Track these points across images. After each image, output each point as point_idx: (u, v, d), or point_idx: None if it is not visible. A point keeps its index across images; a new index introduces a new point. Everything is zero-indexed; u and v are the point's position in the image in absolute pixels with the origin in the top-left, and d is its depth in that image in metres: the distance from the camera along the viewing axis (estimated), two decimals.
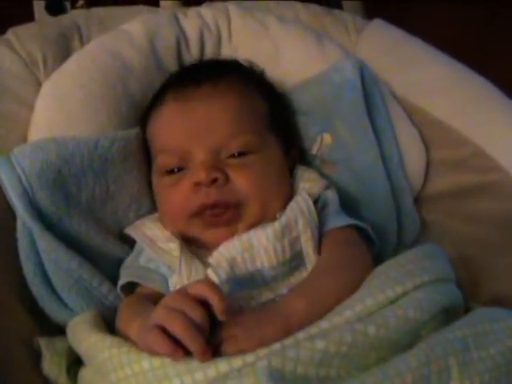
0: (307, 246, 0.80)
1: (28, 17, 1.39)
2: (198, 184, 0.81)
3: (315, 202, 0.86)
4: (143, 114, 0.94)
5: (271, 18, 1.03)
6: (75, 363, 0.76)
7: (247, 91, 0.90)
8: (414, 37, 1.06)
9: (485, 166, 0.95)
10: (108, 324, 0.77)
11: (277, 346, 0.64)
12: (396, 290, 0.69)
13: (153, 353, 0.65)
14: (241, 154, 0.84)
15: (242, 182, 0.83)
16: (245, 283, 0.77)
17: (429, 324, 0.68)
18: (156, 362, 0.64)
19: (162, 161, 0.87)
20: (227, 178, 0.82)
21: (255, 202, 0.82)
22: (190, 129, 0.84)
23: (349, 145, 0.95)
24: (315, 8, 1.11)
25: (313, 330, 0.65)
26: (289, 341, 0.64)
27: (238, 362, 0.63)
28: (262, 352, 0.63)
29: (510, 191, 0.93)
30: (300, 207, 0.82)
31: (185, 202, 0.83)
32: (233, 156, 0.84)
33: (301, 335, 0.65)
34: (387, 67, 1.03)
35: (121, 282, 0.83)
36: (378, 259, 0.81)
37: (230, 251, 0.78)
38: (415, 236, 0.97)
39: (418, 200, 0.99)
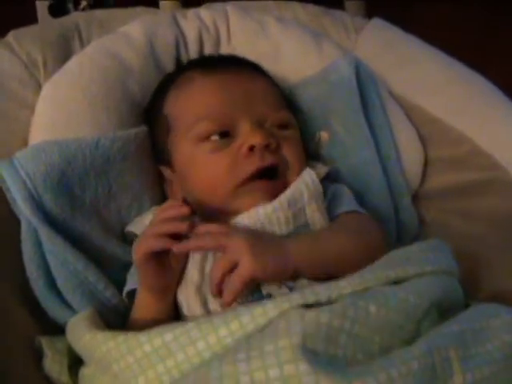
0: (313, 218, 0.81)
1: (31, 20, 1.40)
2: (252, 148, 0.81)
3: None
4: (153, 98, 0.95)
5: (270, 19, 1.04)
6: (77, 362, 0.76)
7: (270, 79, 0.94)
8: (413, 36, 1.07)
9: (483, 163, 0.95)
10: (109, 325, 0.77)
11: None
12: (397, 272, 0.69)
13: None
14: (281, 127, 0.87)
15: (289, 151, 0.85)
16: None
17: (428, 317, 0.68)
18: (157, 341, 0.65)
19: (203, 126, 0.84)
20: (278, 145, 0.84)
21: (295, 173, 0.84)
22: (232, 99, 0.85)
23: (345, 142, 0.96)
24: (314, 8, 1.12)
25: (308, 295, 0.65)
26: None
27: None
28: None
29: (509, 189, 0.93)
30: (305, 181, 0.83)
31: (233, 166, 0.82)
32: (275, 127, 0.86)
33: (295, 297, 0.65)
34: (386, 66, 1.03)
35: (127, 288, 0.82)
36: None
37: (245, 219, 0.79)
38: (414, 234, 0.97)
39: (416, 198, 0.99)
